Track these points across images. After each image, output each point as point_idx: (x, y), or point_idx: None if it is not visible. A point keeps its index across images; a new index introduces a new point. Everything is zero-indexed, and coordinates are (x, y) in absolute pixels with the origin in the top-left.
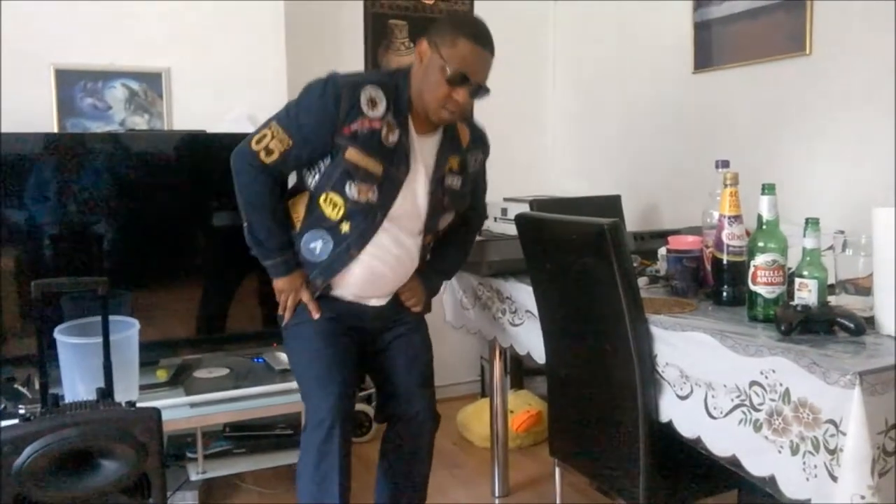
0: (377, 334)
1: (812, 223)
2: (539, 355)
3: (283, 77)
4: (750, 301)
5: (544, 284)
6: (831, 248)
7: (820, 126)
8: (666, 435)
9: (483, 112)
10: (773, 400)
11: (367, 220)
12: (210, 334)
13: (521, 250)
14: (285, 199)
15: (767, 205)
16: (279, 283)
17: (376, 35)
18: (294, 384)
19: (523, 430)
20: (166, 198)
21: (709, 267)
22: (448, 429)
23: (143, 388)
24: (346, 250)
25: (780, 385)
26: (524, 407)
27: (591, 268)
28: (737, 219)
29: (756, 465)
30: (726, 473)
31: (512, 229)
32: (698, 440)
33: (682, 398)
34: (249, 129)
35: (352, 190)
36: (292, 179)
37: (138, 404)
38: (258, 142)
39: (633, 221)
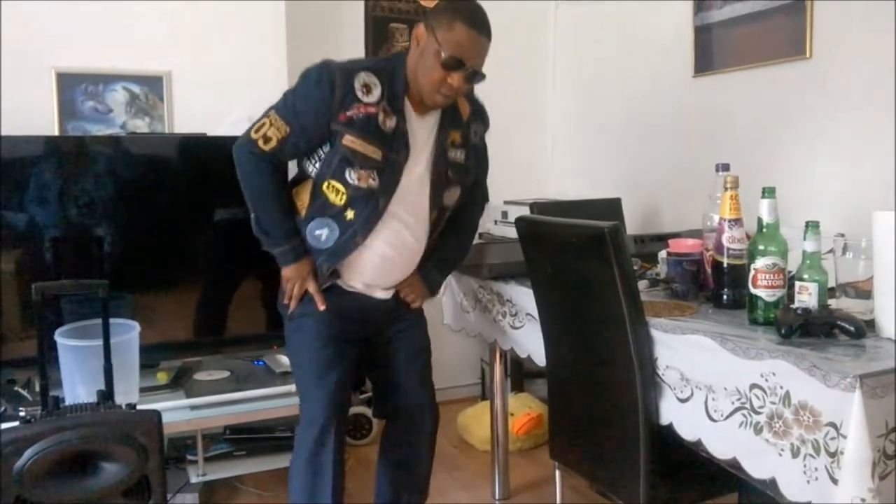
0: (380, 329)
1: (812, 226)
2: (539, 358)
3: (283, 78)
4: (750, 304)
5: (545, 287)
6: (831, 251)
7: (820, 129)
8: (666, 438)
9: None
10: (773, 403)
11: (371, 205)
12: (210, 337)
13: (522, 253)
14: (289, 188)
15: (767, 208)
16: (287, 271)
17: (377, 38)
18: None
19: (524, 433)
20: (167, 200)
21: (709, 270)
22: (448, 431)
23: (143, 390)
24: (353, 237)
25: (781, 388)
26: (524, 410)
27: (591, 271)
28: (737, 222)
29: (757, 467)
30: (727, 476)
31: (512, 232)
32: (699, 443)
33: (683, 401)
34: None
35: (352, 176)
36: (292, 171)
37: (139, 407)
38: (257, 131)
39: (633, 224)
